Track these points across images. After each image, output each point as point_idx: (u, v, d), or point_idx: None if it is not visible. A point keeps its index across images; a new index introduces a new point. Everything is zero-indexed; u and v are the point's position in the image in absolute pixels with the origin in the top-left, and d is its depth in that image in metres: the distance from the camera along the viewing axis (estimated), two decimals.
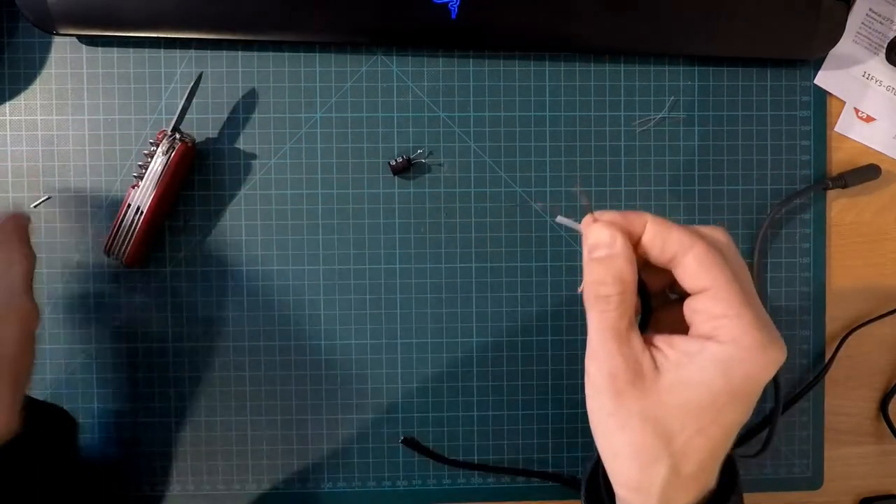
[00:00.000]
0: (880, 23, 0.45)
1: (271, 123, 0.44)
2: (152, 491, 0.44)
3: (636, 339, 0.29)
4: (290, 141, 0.44)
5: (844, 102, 0.46)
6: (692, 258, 0.28)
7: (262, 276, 0.44)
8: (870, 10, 0.45)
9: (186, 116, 0.41)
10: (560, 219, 0.31)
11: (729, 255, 0.29)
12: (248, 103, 0.43)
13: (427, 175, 0.44)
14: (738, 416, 0.28)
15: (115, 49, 0.43)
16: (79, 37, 0.42)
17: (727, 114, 0.45)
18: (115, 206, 0.43)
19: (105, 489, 0.44)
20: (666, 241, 0.29)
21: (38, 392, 0.43)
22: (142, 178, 0.40)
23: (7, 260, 0.34)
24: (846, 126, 0.46)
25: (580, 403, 0.45)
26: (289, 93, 0.43)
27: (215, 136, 0.43)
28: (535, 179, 0.44)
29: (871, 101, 0.45)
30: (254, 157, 0.44)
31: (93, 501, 0.43)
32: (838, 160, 0.46)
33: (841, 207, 0.46)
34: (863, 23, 0.45)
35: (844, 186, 0.44)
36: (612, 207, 0.45)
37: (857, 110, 0.46)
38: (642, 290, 0.31)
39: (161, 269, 0.43)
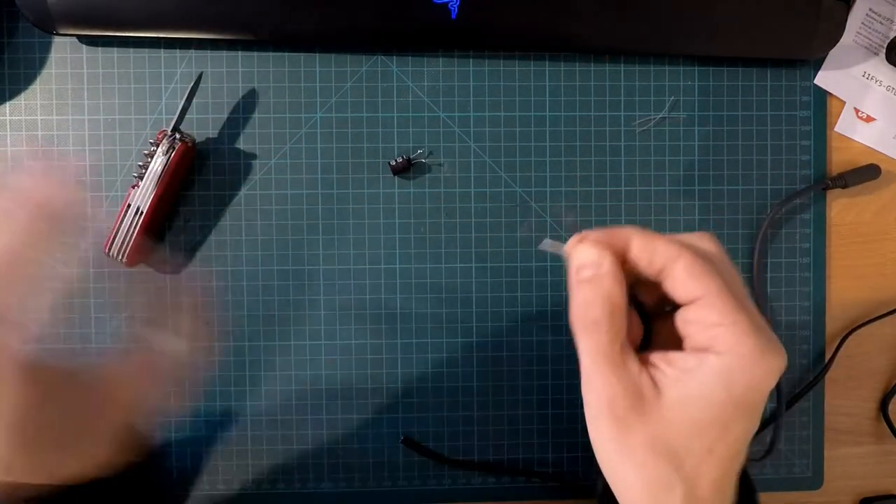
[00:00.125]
0: (880, 23, 0.45)
1: (271, 123, 0.44)
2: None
3: (632, 361, 0.28)
4: (290, 141, 0.44)
5: (844, 102, 0.46)
6: (681, 268, 0.28)
7: (262, 276, 0.44)
8: (870, 10, 0.45)
9: (186, 116, 0.41)
10: (544, 244, 0.30)
11: (718, 261, 0.29)
12: (248, 103, 0.43)
13: (427, 175, 0.44)
14: (746, 428, 0.27)
15: (115, 49, 0.43)
16: (79, 37, 0.42)
17: (727, 114, 0.45)
18: (115, 206, 0.43)
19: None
20: (653, 253, 0.28)
21: None
22: (142, 178, 0.40)
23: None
24: (846, 126, 0.46)
25: (580, 403, 0.45)
26: (289, 93, 0.43)
27: (215, 136, 0.43)
28: (535, 179, 0.44)
29: (871, 101, 0.45)
30: (254, 157, 0.44)
31: None
32: (838, 160, 0.46)
33: (841, 207, 0.46)
34: (863, 23, 0.45)
35: (844, 186, 0.44)
36: (612, 207, 0.45)
37: (857, 110, 0.46)
38: (638, 306, 0.30)
39: (161, 269, 0.43)
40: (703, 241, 0.30)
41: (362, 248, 0.44)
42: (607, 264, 0.28)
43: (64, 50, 0.43)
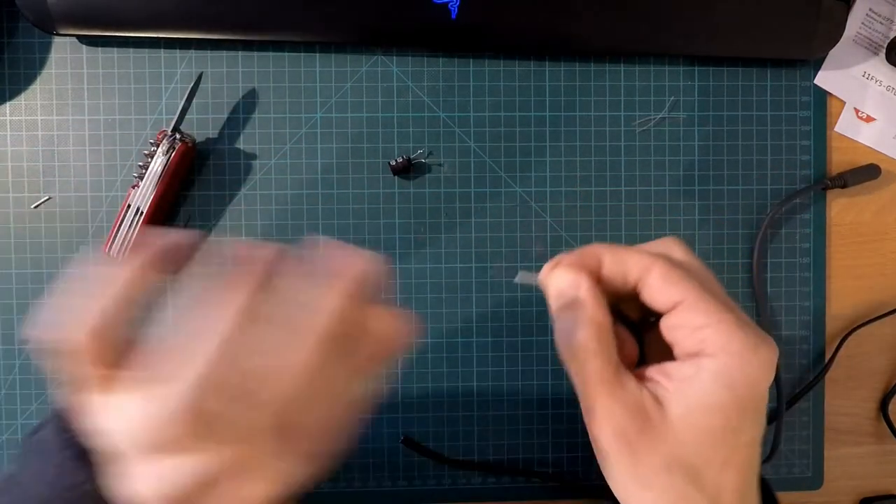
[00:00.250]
0: (880, 23, 0.45)
1: (271, 123, 0.44)
2: None
3: (629, 381, 0.27)
4: (290, 141, 0.44)
5: (844, 102, 0.46)
6: (656, 276, 0.27)
7: None
8: (870, 10, 0.45)
9: (186, 116, 0.41)
10: (518, 277, 0.30)
11: (689, 265, 0.28)
12: (248, 103, 0.43)
13: (427, 175, 0.44)
14: (755, 429, 0.27)
15: (115, 49, 0.43)
16: (79, 37, 0.42)
17: (727, 114, 0.45)
18: (115, 206, 0.43)
19: None
20: (625, 267, 0.28)
21: (36, 393, 0.43)
22: (142, 178, 0.40)
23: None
24: (846, 126, 0.46)
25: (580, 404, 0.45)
26: (289, 93, 0.43)
27: (215, 136, 0.43)
28: (535, 179, 0.44)
29: (871, 101, 0.45)
30: (254, 157, 0.44)
31: None
32: (838, 160, 0.46)
33: (841, 207, 0.46)
34: (863, 23, 0.45)
35: (844, 186, 0.44)
36: (612, 207, 0.45)
37: (857, 110, 0.46)
38: (627, 322, 0.30)
39: None
40: (671, 246, 0.29)
41: (362, 248, 0.44)
42: (585, 286, 0.27)
43: (64, 50, 0.43)
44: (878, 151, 0.46)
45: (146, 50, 0.43)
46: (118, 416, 0.22)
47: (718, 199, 0.45)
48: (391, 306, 0.25)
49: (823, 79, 0.45)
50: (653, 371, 0.27)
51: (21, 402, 0.43)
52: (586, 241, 0.45)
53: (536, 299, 0.44)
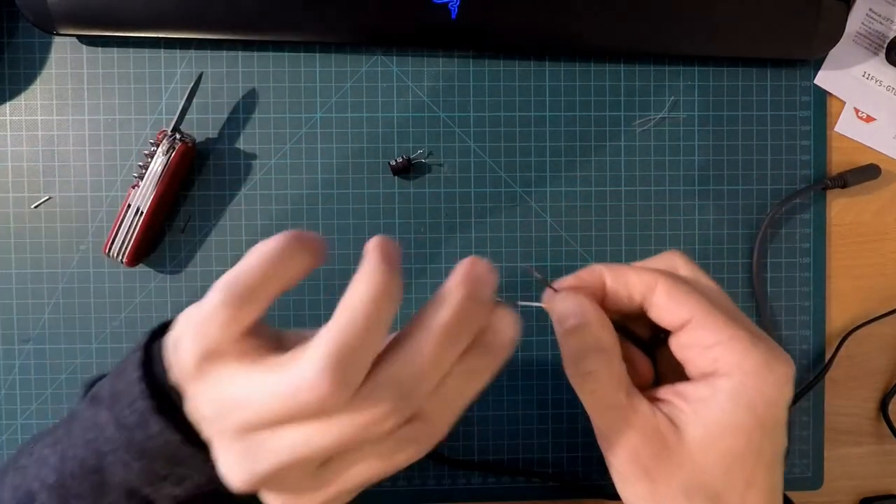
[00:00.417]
0: (880, 23, 0.45)
1: (271, 123, 0.44)
2: None
3: (642, 405, 0.26)
4: (290, 141, 0.44)
5: (844, 102, 0.46)
6: (661, 294, 0.26)
7: None
8: (870, 10, 0.45)
9: (186, 116, 0.41)
10: (520, 304, 0.29)
11: (696, 280, 0.28)
12: (248, 103, 0.43)
13: (427, 175, 0.44)
14: (777, 448, 0.26)
15: (115, 49, 0.43)
16: (79, 37, 0.42)
17: (727, 114, 0.45)
18: (115, 206, 0.43)
19: None
20: (627, 286, 0.27)
21: (36, 393, 0.43)
22: (142, 178, 0.40)
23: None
24: (846, 126, 0.46)
25: (580, 403, 0.45)
26: (289, 93, 0.43)
27: (215, 136, 0.43)
28: (535, 179, 0.44)
29: (871, 101, 0.45)
30: (254, 157, 0.44)
31: None
32: (838, 160, 0.46)
33: (841, 207, 0.46)
34: (863, 23, 0.45)
35: (844, 186, 0.44)
36: (612, 207, 0.45)
37: (857, 110, 0.46)
38: (638, 340, 0.29)
39: (161, 269, 0.43)
40: (675, 260, 0.29)
41: (362, 248, 0.44)
42: (589, 310, 0.27)
43: (64, 50, 0.43)
44: (878, 151, 0.46)
45: (146, 50, 0.43)
46: (251, 384, 0.22)
47: (718, 199, 0.45)
48: (504, 309, 0.25)
49: (823, 79, 0.45)
50: (666, 392, 0.27)
51: (21, 402, 0.43)
52: (586, 241, 0.45)
53: (536, 300, 0.44)
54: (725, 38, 0.43)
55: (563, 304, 0.27)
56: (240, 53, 0.43)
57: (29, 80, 0.43)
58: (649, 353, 0.30)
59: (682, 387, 0.27)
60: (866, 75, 0.45)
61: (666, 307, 0.26)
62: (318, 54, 0.43)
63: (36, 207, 0.43)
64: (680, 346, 0.27)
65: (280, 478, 0.23)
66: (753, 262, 0.45)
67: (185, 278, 0.44)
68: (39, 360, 0.43)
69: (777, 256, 0.45)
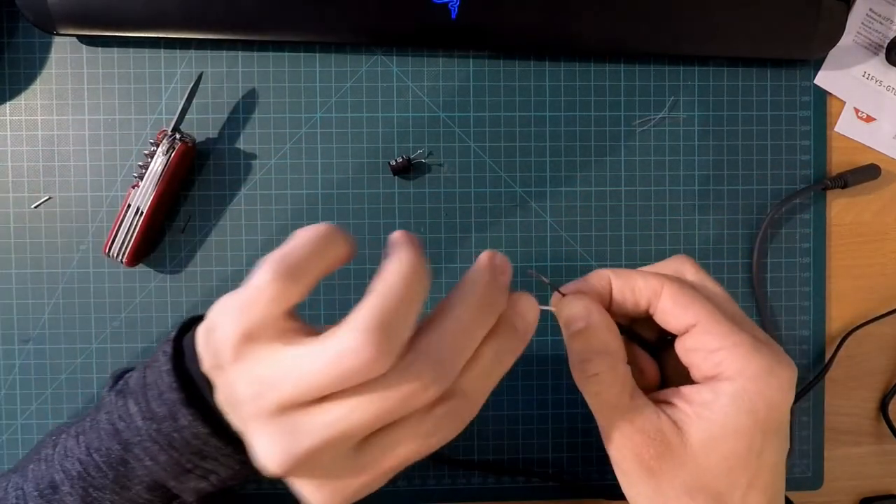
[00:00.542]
0: (880, 23, 0.45)
1: (271, 123, 0.44)
2: None
3: (646, 406, 0.27)
4: (290, 141, 0.44)
5: (844, 102, 0.46)
6: (667, 299, 0.27)
7: None
8: (870, 10, 0.45)
9: (186, 116, 0.41)
10: None
11: (702, 285, 0.28)
12: (248, 103, 0.43)
13: (427, 175, 0.44)
14: (779, 451, 0.27)
15: (115, 49, 0.43)
16: (79, 37, 0.42)
17: (727, 114, 0.45)
18: (115, 206, 0.43)
19: None
20: (633, 291, 0.28)
21: (36, 393, 0.43)
22: (142, 178, 0.40)
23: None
24: (846, 126, 0.46)
25: (580, 403, 0.45)
26: (289, 93, 0.43)
27: (215, 136, 0.43)
28: (535, 179, 0.44)
29: (871, 101, 0.45)
30: (254, 157, 0.44)
31: None
32: (838, 160, 0.46)
33: (841, 207, 0.46)
34: (863, 23, 0.45)
35: (844, 186, 0.44)
36: (612, 207, 0.45)
37: (857, 110, 0.46)
38: (644, 343, 0.30)
39: (161, 269, 0.44)
40: (682, 265, 0.29)
41: (362, 248, 0.44)
42: (595, 314, 0.27)
43: (64, 50, 0.43)
44: (878, 151, 0.46)
45: (146, 50, 0.43)
46: (293, 359, 0.22)
47: (718, 199, 0.45)
48: (525, 294, 0.26)
49: (823, 79, 0.45)
50: (670, 395, 0.27)
51: (21, 402, 0.43)
52: (587, 241, 0.45)
53: (536, 299, 0.44)
54: (725, 38, 0.43)
55: (570, 307, 0.28)
56: (240, 53, 0.43)
57: (29, 80, 0.43)
58: (655, 356, 0.30)
59: (685, 390, 0.27)
60: (866, 75, 0.45)
61: (671, 312, 0.27)
62: (318, 54, 0.43)
63: (36, 207, 0.43)
64: (685, 350, 0.27)
65: (318, 460, 0.23)
66: (753, 262, 0.45)
67: (185, 278, 0.44)
68: (39, 360, 0.43)
69: (777, 256, 0.45)
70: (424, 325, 0.24)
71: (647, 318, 0.29)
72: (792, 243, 0.45)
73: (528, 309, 0.26)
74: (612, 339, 0.27)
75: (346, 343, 0.21)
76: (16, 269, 0.43)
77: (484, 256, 0.26)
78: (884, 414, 0.47)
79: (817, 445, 0.46)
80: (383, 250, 0.25)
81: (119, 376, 0.32)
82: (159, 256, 0.43)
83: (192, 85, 0.41)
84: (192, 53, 0.43)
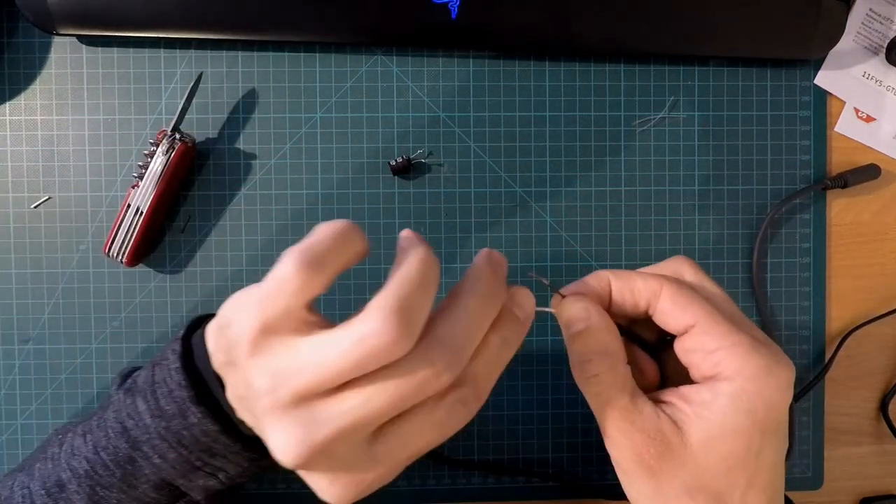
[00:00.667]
0: (880, 23, 0.45)
1: (271, 123, 0.44)
2: None
3: (646, 406, 0.27)
4: (290, 141, 0.44)
5: (844, 102, 0.46)
6: (666, 300, 0.27)
7: (262, 276, 0.44)
8: (870, 10, 0.45)
9: (186, 116, 0.41)
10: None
11: (701, 285, 0.28)
12: (248, 103, 0.43)
13: (427, 175, 0.44)
14: (778, 450, 0.27)
15: (115, 49, 0.43)
16: (79, 37, 0.42)
17: (727, 114, 0.45)
18: (114, 206, 0.43)
19: None
20: (633, 292, 0.28)
21: (36, 393, 0.43)
22: (142, 178, 0.40)
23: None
24: (846, 126, 0.46)
25: (580, 403, 0.45)
26: (289, 93, 0.43)
27: (215, 136, 0.43)
28: (535, 179, 0.44)
29: (871, 101, 0.45)
30: (254, 157, 0.44)
31: None
32: (838, 160, 0.46)
33: (841, 207, 0.46)
34: (863, 23, 0.45)
35: (844, 186, 0.44)
36: (612, 207, 0.45)
37: (857, 110, 0.46)
38: (644, 343, 0.30)
39: (161, 269, 0.44)
40: (681, 266, 0.29)
41: None
42: (594, 315, 0.28)
43: (64, 50, 0.43)
44: (878, 151, 0.46)
45: (146, 50, 0.43)
46: (312, 348, 0.23)
47: (718, 199, 0.45)
48: (521, 287, 0.28)
49: (823, 79, 0.45)
50: (670, 395, 0.27)
51: (21, 402, 0.43)
52: (587, 241, 0.45)
53: (536, 299, 0.44)
54: (725, 38, 0.43)
55: (569, 309, 0.28)
56: (240, 53, 0.43)
57: (29, 80, 0.43)
58: (655, 356, 0.30)
59: (685, 390, 0.27)
60: (866, 75, 0.45)
61: (670, 313, 0.27)
62: (318, 54, 0.43)
63: (36, 207, 0.43)
64: (684, 351, 0.28)
65: (334, 451, 0.23)
66: (753, 262, 0.45)
67: (185, 278, 0.44)
68: (39, 360, 0.43)
69: (777, 256, 0.45)
70: (435, 316, 0.24)
71: (646, 319, 0.29)
72: (792, 243, 0.45)
73: (526, 299, 0.27)
74: (611, 339, 0.28)
75: (369, 325, 0.22)
76: (16, 269, 0.43)
77: (483, 253, 0.27)
78: (884, 414, 0.47)
79: (817, 445, 0.46)
80: (395, 248, 0.25)
81: (126, 375, 0.32)
82: (159, 256, 0.43)
83: (192, 85, 0.41)
84: (192, 53, 0.43)
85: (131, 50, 0.43)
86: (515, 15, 0.41)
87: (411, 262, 0.24)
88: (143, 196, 0.40)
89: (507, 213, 0.44)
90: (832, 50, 0.44)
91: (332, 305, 0.44)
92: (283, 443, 0.23)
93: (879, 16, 0.45)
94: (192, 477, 0.28)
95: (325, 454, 0.23)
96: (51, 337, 0.43)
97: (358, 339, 0.22)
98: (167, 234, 0.43)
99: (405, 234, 0.25)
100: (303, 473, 0.24)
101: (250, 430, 0.27)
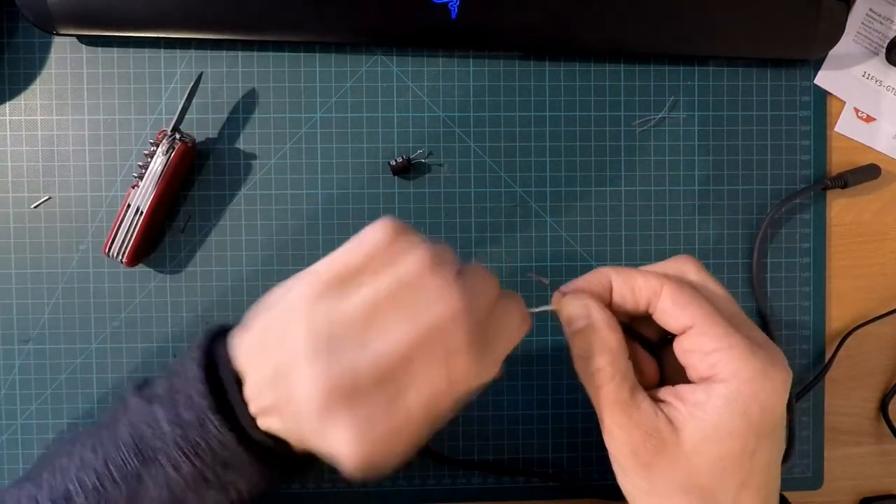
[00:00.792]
0: (880, 23, 0.45)
1: (271, 123, 0.44)
2: None
3: (645, 403, 0.27)
4: (290, 141, 0.44)
5: (844, 102, 0.46)
6: (666, 300, 0.27)
7: (262, 276, 0.44)
8: (870, 10, 0.45)
9: (186, 116, 0.41)
10: (534, 309, 0.31)
11: (703, 285, 0.28)
12: (248, 103, 0.43)
13: (427, 175, 0.44)
14: (773, 452, 0.27)
15: (115, 49, 0.43)
16: (79, 37, 0.42)
17: (727, 114, 0.45)
18: (114, 206, 0.43)
19: None
20: (633, 290, 0.28)
21: (36, 393, 0.43)
22: (142, 178, 0.40)
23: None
24: (846, 126, 0.46)
25: (580, 403, 0.45)
26: (289, 93, 0.43)
27: (215, 136, 0.43)
28: (535, 179, 0.44)
29: (871, 101, 0.45)
30: (254, 157, 0.44)
31: None
32: (838, 160, 0.46)
33: (841, 207, 0.46)
34: (863, 23, 0.45)
35: (844, 186, 0.44)
36: (612, 207, 0.45)
37: (857, 110, 0.46)
38: (644, 341, 0.30)
39: (161, 269, 0.44)
40: (685, 265, 0.29)
41: None
42: (595, 313, 0.28)
43: (64, 50, 0.43)
44: (878, 151, 0.46)
45: (146, 50, 0.43)
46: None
47: (718, 199, 0.45)
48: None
49: (823, 79, 0.45)
50: (667, 393, 0.28)
51: (21, 402, 0.43)
52: (586, 241, 0.45)
53: (536, 299, 0.44)
54: (725, 38, 0.43)
55: (571, 307, 0.29)
56: (240, 53, 0.43)
57: (29, 80, 0.43)
58: (655, 354, 0.30)
59: (681, 389, 0.27)
60: (866, 75, 0.45)
61: (670, 312, 0.27)
62: (318, 54, 0.43)
63: (36, 207, 0.43)
64: (682, 350, 0.28)
65: (360, 383, 0.24)
66: (753, 262, 0.45)
67: (185, 278, 0.44)
68: (39, 360, 0.43)
69: (777, 256, 0.45)
70: None
71: (648, 317, 0.29)
72: (792, 243, 0.45)
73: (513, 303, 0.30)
74: (612, 336, 0.28)
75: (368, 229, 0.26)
76: (16, 269, 0.43)
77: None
78: (884, 414, 0.47)
79: (817, 445, 0.46)
80: None
81: (141, 385, 0.32)
82: (159, 256, 0.43)
83: (192, 85, 0.41)
84: (192, 53, 0.43)
85: (131, 50, 0.43)
86: (515, 15, 0.41)
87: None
88: (143, 196, 0.40)
89: (507, 213, 0.44)
90: (832, 50, 0.44)
91: None
92: (315, 384, 0.24)
93: (879, 16, 0.45)
94: (202, 491, 0.28)
95: (353, 383, 0.24)
96: (51, 337, 0.43)
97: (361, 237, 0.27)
98: (167, 234, 0.43)
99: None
100: (330, 423, 0.25)
101: (267, 440, 0.27)
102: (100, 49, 0.43)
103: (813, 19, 0.43)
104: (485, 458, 0.45)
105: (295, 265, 0.44)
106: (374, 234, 0.27)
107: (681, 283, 0.28)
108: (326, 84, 0.44)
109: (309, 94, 0.44)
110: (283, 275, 0.43)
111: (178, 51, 0.43)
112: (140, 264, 0.43)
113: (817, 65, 0.45)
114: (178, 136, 0.41)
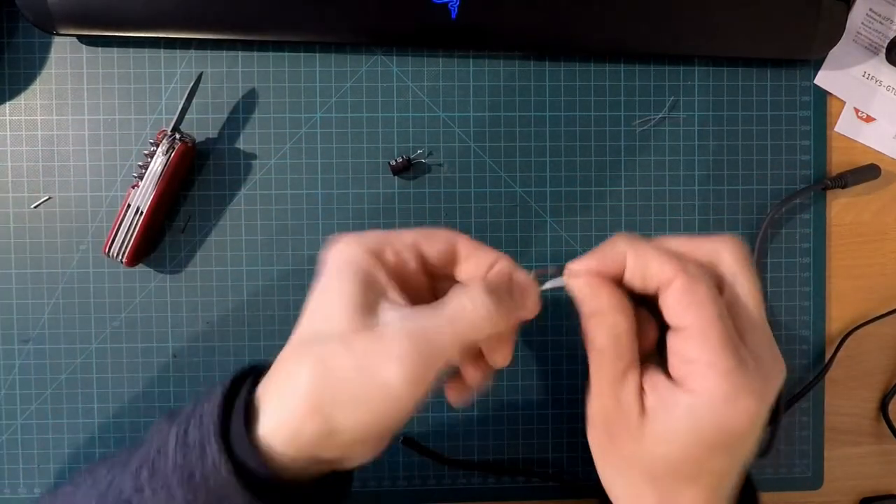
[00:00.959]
0: (880, 23, 0.45)
1: (271, 123, 0.44)
2: None
3: (632, 381, 0.28)
4: (290, 141, 0.44)
5: (844, 102, 0.46)
6: (671, 294, 0.27)
7: (262, 276, 0.44)
8: (870, 10, 0.45)
9: (186, 116, 0.41)
10: (546, 285, 0.31)
11: (732, 277, 0.28)
12: (248, 103, 0.43)
13: (427, 175, 0.44)
14: (727, 463, 0.27)
15: (115, 49, 0.43)
16: (79, 37, 0.42)
17: (727, 114, 0.45)
18: (114, 206, 0.43)
19: None
20: (646, 272, 0.27)
21: (36, 393, 0.43)
22: (142, 178, 0.40)
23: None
24: (846, 126, 0.46)
25: (580, 403, 0.45)
26: (289, 93, 0.43)
27: (215, 136, 0.43)
28: (535, 179, 0.44)
29: (871, 101, 0.45)
30: (254, 157, 0.44)
31: None
32: (838, 160, 0.46)
33: (841, 207, 0.46)
34: (863, 23, 0.45)
35: (844, 186, 0.44)
36: (612, 207, 0.45)
37: (857, 110, 0.46)
38: (653, 307, 0.29)
39: (161, 269, 0.44)
40: (722, 250, 0.28)
41: None
42: (605, 298, 0.28)
43: (64, 50, 0.43)
44: (878, 151, 0.46)
45: (146, 50, 0.43)
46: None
47: (718, 199, 0.45)
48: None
49: (823, 79, 0.45)
50: (648, 381, 0.28)
51: (21, 402, 0.43)
52: (586, 241, 0.45)
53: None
54: (725, 38, 0.43)
55: (582, 291, 0.29)
56: (240, 53, 0.43)
57: (29, 80, 0.43)
58: (662, 333, 0.30)
59: (659, 380, 0.28)
60: (866, 75, 0.45)
61: (672, 307, 0.27)
62: (318, 54, 0.43)
63: (36, 207, 0.43)
64: (669, 346, 0.28)
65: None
66: (753, 262, 0.45)
67: (185, 278, 0.44)
68: (39, 360, 0.43)
69: (777, 256, 0.45)
70: None
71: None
72: (792, 243, 0.45)
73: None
74: (620, 318, 0.28)
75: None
76: (16, 269, 0.43)
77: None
78: (884, 414, 0.47)
79: (817, 445, 0.46)
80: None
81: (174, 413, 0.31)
82: (159, 256, 0.43)
83: (192, 85, 0.41)
84: (192, 53, 0.43)
85: (131, 50, 0.43)
86: (515, 15, 0.41)
87: None
88: (143, 196, 0.40)
89: (507, 213, 0.44)
90: (832, 50, 0.44)
91: None
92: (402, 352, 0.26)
93: (879, 16, 0.45)
94: None
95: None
96: (51, 337, 0.43)
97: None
98: (167, 234, 0.43)
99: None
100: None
101: (265, 471, 0.26)
102: (100, 49, 0.43)
103: (813, 19, 0.43)
104: (485, 458, 0.45)
105: (295, 265, 0.44)
106: None
107: (696, 278, 0.26)
108: (326, 84, 0.44)
109: (309, 94, 0.44)
110: (283, 275, 0.44)
111: (178, 51, 0.43)
112: (140, 264, 0.43)
113: (817, 65, 0.45)
114: (178, 136, 0.41)
